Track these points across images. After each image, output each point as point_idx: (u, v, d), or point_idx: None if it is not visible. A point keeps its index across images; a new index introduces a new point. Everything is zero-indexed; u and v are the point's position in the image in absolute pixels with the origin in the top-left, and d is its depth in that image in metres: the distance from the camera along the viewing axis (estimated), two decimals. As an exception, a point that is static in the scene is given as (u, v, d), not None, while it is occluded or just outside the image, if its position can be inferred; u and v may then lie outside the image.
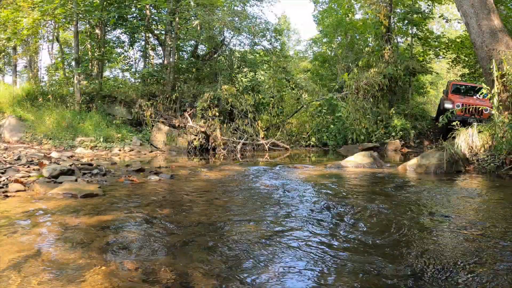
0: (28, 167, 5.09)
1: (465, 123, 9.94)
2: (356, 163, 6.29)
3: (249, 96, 10.73)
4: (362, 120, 10.91)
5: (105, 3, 11.62)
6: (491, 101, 6.22)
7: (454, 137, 6.22)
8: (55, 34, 14.31)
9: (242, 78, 15.11)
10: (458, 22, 16.30)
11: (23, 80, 18.21)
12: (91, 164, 5.57)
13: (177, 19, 12.49)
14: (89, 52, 13.83)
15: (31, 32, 11.08)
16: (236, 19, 13.14)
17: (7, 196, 3.55)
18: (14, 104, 10.42)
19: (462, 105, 10.64)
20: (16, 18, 10.28)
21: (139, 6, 12.23)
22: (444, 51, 15.30)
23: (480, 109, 10.21)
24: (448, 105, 11.38)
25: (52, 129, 9.42)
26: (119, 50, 15.76)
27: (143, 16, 13.18)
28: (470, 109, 10.40)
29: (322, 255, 2.18)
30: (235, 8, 14.82)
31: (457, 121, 7.20)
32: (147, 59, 15.42)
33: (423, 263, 2.05)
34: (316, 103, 11.90)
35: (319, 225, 2.82)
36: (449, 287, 1.78)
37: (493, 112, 8.08)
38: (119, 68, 17.81)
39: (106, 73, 17.17)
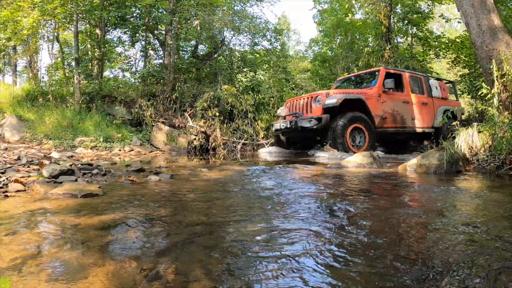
0: (28, 167, 5.10)
1: (291, 132, 7.71)
2: (356, 163, 6.30)
3: (249, 96, 10.75)
4: (362, 120, 10.87)
5: (105, 3, 11.63)
6: (491, 101, 6.18)
7: (454, 137, 6.23)
8: (55, 34, 14.32)
9: (242, 78, 15.11)
10: (458, 22, 16.32)
11: (23, 80, 18.24)
12: (91, 164, 5.58)
13: (177, 18, 12.49)
14: (89, 52, 13.84)
15: (31, 32, 11.10)
16: (236, 18, 13.17)
17: (7, 196, 3.55)
18: (14, 104, 10.43)
19: (292, 105, 8.05)
20: (16, 18, 10.29)
21: (139, 6, 12.23)
22: (444, 51, 15.32)
23: (302, 104, 7.55)
24: (280, 112, 9.07)
25: (52, 129, 9.43)
26: (119, 50, 15.80)
27: (144, 16, 13.18)
28: (294, 109, 7.90)
29: (322, 255, 2.18)
30: (235, 8, 14.84)
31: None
32: (147, 59, 15.40)
33: (423, 263, 2.05)
34: (316, 103, 11.87)
35: (319, 224, 2.82)
36: (449, 286, 1.78)
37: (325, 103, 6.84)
38: (119, 68, 17.81)
39: (106, 73, 17.17)
